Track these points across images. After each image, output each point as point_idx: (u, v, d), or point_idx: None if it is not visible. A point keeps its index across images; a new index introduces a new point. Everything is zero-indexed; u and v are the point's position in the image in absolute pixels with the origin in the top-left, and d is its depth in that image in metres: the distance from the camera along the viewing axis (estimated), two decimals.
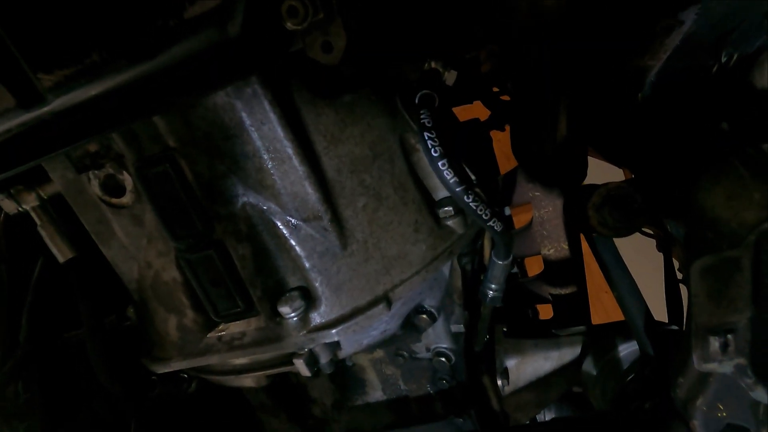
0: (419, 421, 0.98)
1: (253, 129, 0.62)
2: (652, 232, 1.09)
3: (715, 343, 0.61)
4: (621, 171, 1.11)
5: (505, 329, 1.07)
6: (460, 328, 0.90)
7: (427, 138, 0.66)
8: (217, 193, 0.66)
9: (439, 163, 0.66)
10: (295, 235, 0.67)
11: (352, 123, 0.68)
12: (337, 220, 0.67)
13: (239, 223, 0.67)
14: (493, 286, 0.83)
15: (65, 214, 0.73)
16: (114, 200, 0.70)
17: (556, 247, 0.96)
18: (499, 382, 1.01)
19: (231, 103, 0.60)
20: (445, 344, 0.89)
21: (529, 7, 0.74)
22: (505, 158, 1.00)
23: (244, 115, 0.61)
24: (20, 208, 0.72)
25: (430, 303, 0.82)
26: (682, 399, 0.70)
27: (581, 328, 1.02)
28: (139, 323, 0.81)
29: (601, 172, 1.10)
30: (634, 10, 0.73)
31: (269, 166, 0.64)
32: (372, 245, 0.70)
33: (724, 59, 0.75)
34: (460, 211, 0.75)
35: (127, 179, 0.68)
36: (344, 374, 0.97)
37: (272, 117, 0.61)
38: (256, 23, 0.51)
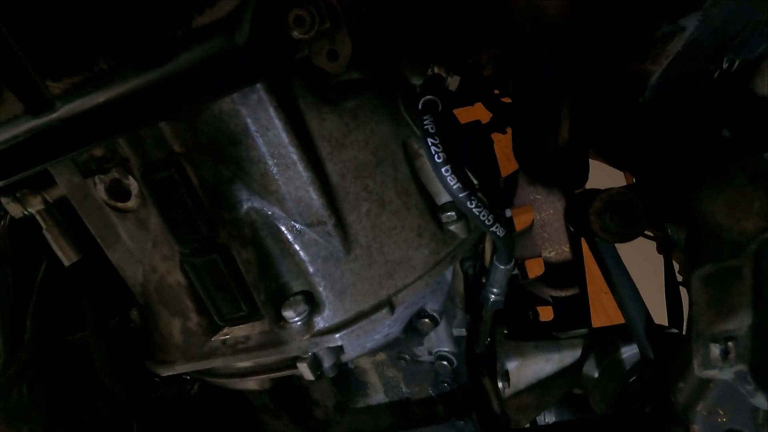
0: (421, 424, 0.99)
1: (258, 135, 0.62)
2: (652, 235, 1.10)
3: (715, 350, 0.61)
4: (622, 174, 1.12)
5: (505, 331, 1.08)
6: (461, 331, 0.90)
7: (430, 144, 0.66)
8: (222, 198, 0.66)
9: (443, 169, 0.66)
10: (299, 239, 0.67)
11: (356, 128, 0.68)
12: (340, 225, 0.67)
13: (244, 227, 0.67)
14: (495, 290, 0.83)
15: (70, 217, 0.74)
16: (119, 204, 0.70)
17: (556, 249, 0.97)
18: (500, 385, 1.02)
19: (236, 110, 0.60)
20: (446, 348, 0.90)
21: (527, 9, 0.74)
22: (505, 159, 1.01)
23: (249, 121, 0.61)
24: (26, 212, 0.72)
25: (432, 307, 0.82)
26: (682, 404, 0.71)
27: (582, 330, 1.02)
28: (143, 326, 0.81)
29: (603, 174, 1.10)
30: (636, 16, 0.73)
31: (274, 172, 0.64)
32: (375, 250, 0.70)
33: (725, 65, 0.75)
34: (463, 215, 0.75)
35: (133, 184, 0.68)
36: (346, 377, 0.97)
37: (277, 123, 0.61)
38: (263, 32, 0.51)
